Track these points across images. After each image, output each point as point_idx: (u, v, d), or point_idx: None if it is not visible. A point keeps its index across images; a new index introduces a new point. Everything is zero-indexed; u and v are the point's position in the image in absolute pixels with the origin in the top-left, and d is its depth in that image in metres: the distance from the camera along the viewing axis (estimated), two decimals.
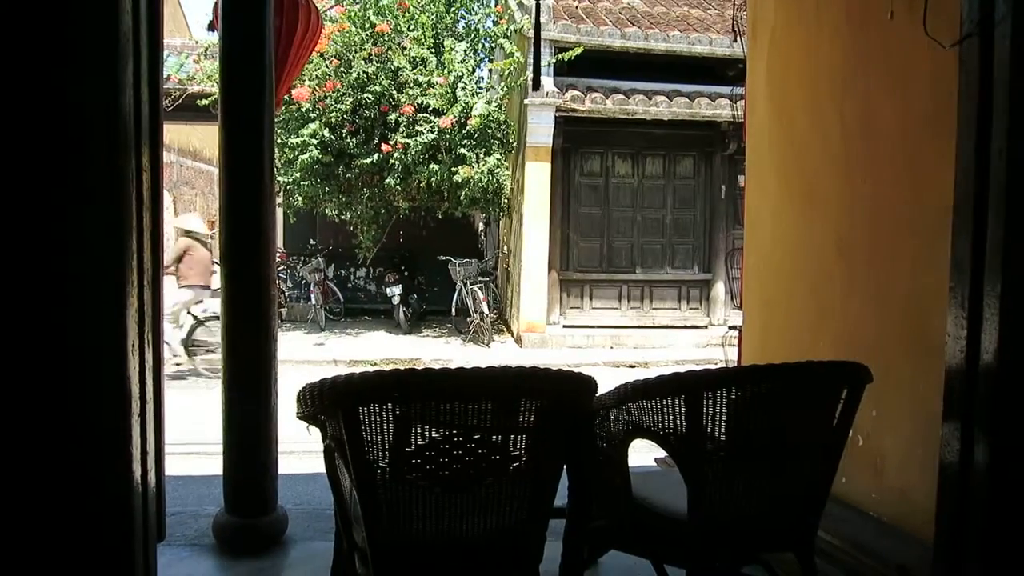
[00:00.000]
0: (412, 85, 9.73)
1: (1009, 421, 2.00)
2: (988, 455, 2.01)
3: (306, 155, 9.53)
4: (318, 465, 1.96)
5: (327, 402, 1.73)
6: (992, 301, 1.99)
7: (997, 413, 2.00)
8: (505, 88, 10.23)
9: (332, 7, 10.00)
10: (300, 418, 1.98)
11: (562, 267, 10.60)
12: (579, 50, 9.73)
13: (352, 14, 9.79)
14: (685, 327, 10.73)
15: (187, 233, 8.39)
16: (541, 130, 9.97)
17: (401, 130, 9.64)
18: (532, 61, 4.70)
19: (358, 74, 9.70)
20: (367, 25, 9.80)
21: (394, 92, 9.78)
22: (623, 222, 10.77)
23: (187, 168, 20.58)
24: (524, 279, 10.27)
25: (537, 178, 10.14)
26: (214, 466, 3.31)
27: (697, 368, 1.96)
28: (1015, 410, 1.99)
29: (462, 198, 9.82)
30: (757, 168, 4.05)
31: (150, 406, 1.78)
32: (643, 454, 4.34)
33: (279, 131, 9.61)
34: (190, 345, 8.22)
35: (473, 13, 10.60)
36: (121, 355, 1.60)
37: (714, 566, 2.10)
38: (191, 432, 5.14)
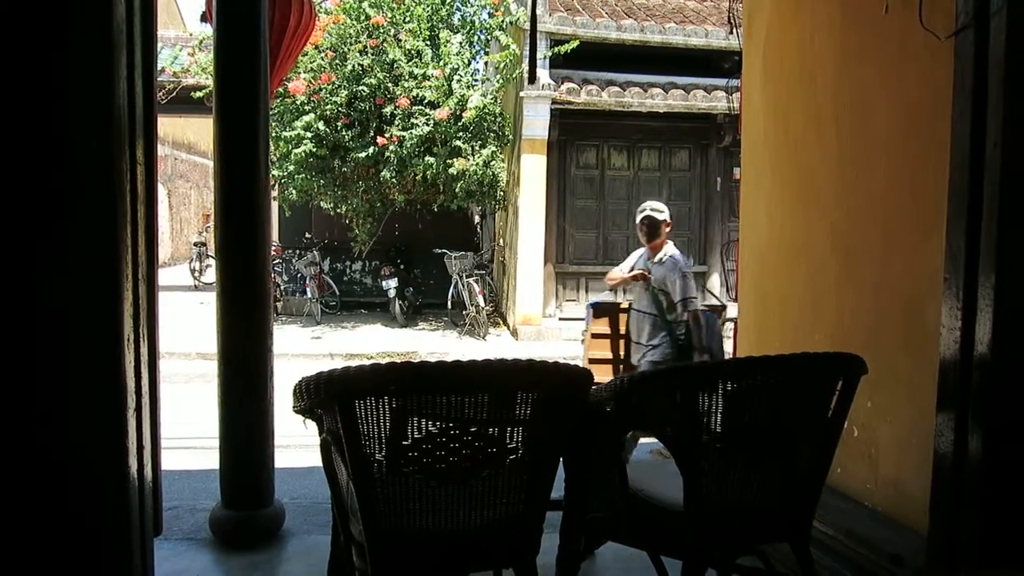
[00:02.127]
0: (407, 77, 9.71)
1: (1003, 412, 2.01)
2: (982, 445, 2.02)
3: (301, 148, 9.50)
4: (315, 459, 1.97)
5: (323, 395, 1.73)
6: (987, 292, 2.00)
7: (991, 404, 2.01)
8: (501, 80, 10.20)
9: None
10: (296, 412, 1.98)
11: (558, 260, 10.60)
12: (575, 43, 9.71)
13: (347, 6, 9.75)
14: None
15: None
16: (537, 123, 9.96)
17: (396, 123, 9.61)
18: (528, 54, 4.65)
19: (353, 66, 9.66)
20: (362, 17, 9.76)
21: (389, 85, 9.75)
22: (619, 214, 10.76)
23: (182, 161, 20.52)
24: (520, 272, 10.27)
25: (533, 171, 10.13)
26: (211, 460, 3.31)
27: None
28: (1009, 401, 2.01)
29: (458, 191, 9.81)
30: (752, 161, 4.05)
31: (146, 400, 1.78)
32: (640, 446, 4.36)
33: (274, 124, 9.58)
34: None
35: (468, 5, 10.57)
36: (116, 349, 1.60)
37: (710, 557, 2.11)
38: (187, 426, 5.14)
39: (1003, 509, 2.03)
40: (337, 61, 9.75)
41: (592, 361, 5.46)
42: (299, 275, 11.79)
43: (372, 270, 12.43)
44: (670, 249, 4.47)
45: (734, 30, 4.68)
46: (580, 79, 10.23)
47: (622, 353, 4.73)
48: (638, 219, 4.55)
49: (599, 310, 5.90)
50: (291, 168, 9.77)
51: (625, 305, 5.26)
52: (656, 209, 4.50)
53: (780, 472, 2.05)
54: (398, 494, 1.78)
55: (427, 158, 9.56)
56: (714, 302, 6.17)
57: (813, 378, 2.04)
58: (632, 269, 4.61)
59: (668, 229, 4.46)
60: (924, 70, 2.67)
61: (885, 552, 2.52)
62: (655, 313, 4.42)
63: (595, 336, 5.75)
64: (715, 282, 10.89)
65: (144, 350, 1.77)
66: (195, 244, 15.76)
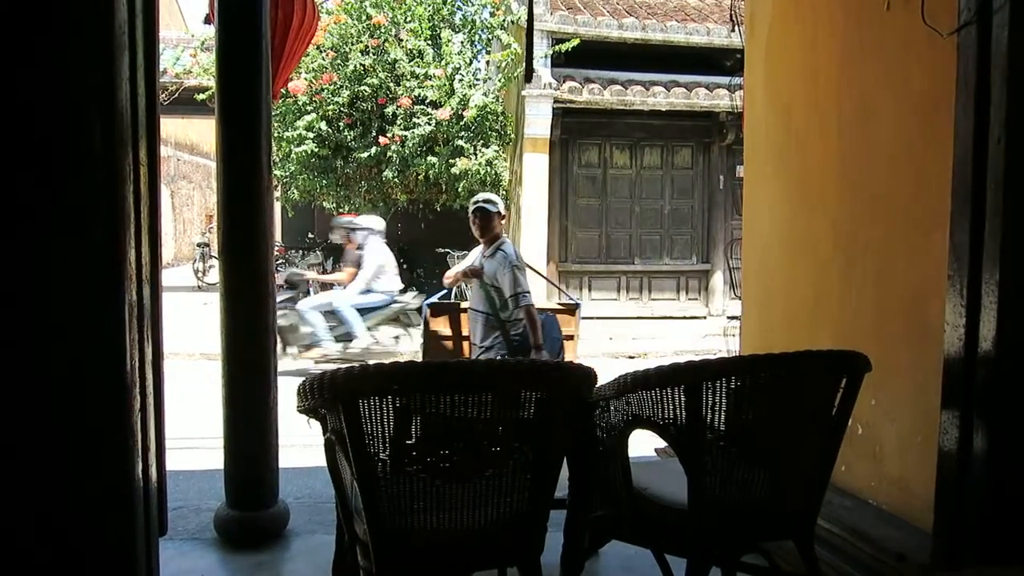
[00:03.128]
0: (409, 77, 9.71)
1: (1007, 409, 2.01)
2: (986, 443, 2.02)
3: (303, 148, 9.51)
4: (319, 458, 1.97)
5: (327, 395, 1.73)
6: (990, 289, 1.99)
7: (995, 401, 2.01)
8: (502, 79, 10.19)
9: None
10: (300, 411, 1.98)
11: (560, 259, 10.59)
12: (576, 42, 9.70)
13: (349, 6, 9.76)
14: (684, 318, 10.73)
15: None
16: (539, 121, 9.95)
17: (398, 122, 9.62)
18: (525, 53, 4.62)
19: (355, 66, 9.67)
20: (364, 17, 9.77)
21: (391, 84, 9.76)
22: (621, 213, 10.76)
23: (184, 162, 20.56)
24: None
25: (535, 170, 10.12)
26: (215, 461, 3.31)
27: (696, 358, 1.96)
28: (1013, 398, 2.00)
29: (460, 190, 9.81)
30: (755, 159, 4.04)
31: (150, 401, 1.78)
32: (643, 444, 4.35)
33: (276, 124, 9.59)
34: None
35: (470, 4, 10.57)
36: (120, 350, 1.60)
37: (714, 555, 2.10)
38: (192, 426, 5.14)
39: (1008, 506, 2.03)
40: (339, 61, 9.76)
41: None
42: None
43: None
44: (502, 243, 4.23)
45: (736, 28, 4.67)
46: (582, 78, 10.22)
47: (465, 355, 4.46)
48: (470, 211, 4.30)
49: (436, 310, 5.57)
50: (293, 168, 9.79)
51: (465, 305, 4.98)
52: (489, 200, 4.25)
53: (784, 470, 2.05)
54: (402, 493, 1.78)
55: (429, 158, 9.56)
56: (568, 300, 5.91)
57: (817, 376, 2.04)
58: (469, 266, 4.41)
59: (502, 221, 4.22)
60: (927, 67, 2.66)
61: (890, 550, 2.51)
62: (488, 311, 4.21)
63: (432, 337, 5.44)
64: (718, 280, 10.88)
65: (148, 351, 1.77)
66: (198, 245, 15.79)
